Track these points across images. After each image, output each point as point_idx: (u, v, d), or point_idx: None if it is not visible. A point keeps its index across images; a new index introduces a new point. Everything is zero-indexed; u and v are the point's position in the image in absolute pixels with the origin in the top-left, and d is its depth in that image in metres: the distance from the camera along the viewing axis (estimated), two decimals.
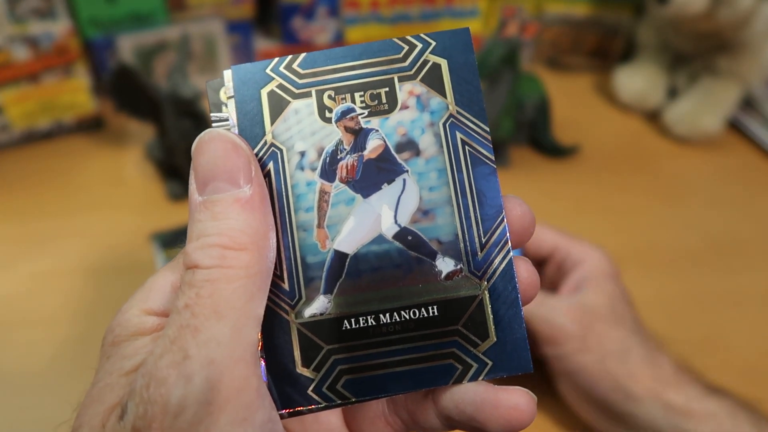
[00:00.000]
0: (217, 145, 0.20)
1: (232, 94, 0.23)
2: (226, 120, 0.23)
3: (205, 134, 0.21)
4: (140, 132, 0.70)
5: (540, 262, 0.47)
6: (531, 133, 0.70)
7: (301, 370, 0.22)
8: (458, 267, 0.22)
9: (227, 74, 0.23)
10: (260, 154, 0.23)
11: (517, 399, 0.21)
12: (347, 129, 0.23)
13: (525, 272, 0.23)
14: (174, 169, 0.62)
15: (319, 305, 0.22)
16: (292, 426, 0.24)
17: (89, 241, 0.58)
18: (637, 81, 0.76)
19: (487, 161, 0.23)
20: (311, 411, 0.22)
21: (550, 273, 0.46)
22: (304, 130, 0.23)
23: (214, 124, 0.23)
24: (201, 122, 0.58)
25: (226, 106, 0.23)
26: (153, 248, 0.55)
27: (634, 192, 0.66)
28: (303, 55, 0.24)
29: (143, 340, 0.21)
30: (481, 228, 0.22)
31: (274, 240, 0.21)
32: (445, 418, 0.22)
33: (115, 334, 0.21)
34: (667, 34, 0.75)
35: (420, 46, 0.24)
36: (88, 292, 0.53)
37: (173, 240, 0.54)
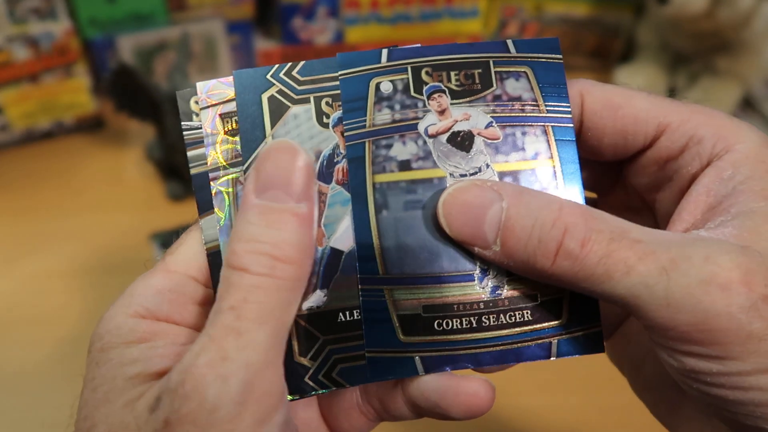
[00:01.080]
0: (287, 156, 0.21)
1: (206, 104, 0.24)
2: (198, 128, 0.24)
3: (278, 142, 0.22)
4: (140, 132, 0.70)
5: (623, 155, 0.25)
6: None
7: (298, 359, 0.23)
8: None
9: (200, 86, 0.24)
10: None
11: (477, 387, 0.23)
12: (344, 134, 0.24)
13: None
14: (174, 169, 0.62)
15: (315, 299, 0.23)
16: None
17: (89, 241, 0.58)
18: (637, 81, 0.76)
19: None
20: (308, 396, 0.23)
21: (650, 178, 0.25)
22: (303, 134, 0.24)
23: (185, 133, 0.24)
24: None
25: (197, 115, 0.24)
26: (153, 248, 0.55)
27: None
28: (302, 63, 0.25)
29: (139, 348, 0.21)
30: None
31: (312, 261, 0.22)
32: (412, 405, 0.24)
33: (105, 341, 0.22)
34: (667, 34, 0.75)
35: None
36: (88, 292, 0.53)
37: (173, 240, 0.54)
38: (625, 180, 0.27)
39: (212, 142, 0.24)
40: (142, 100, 0.59)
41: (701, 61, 0.73)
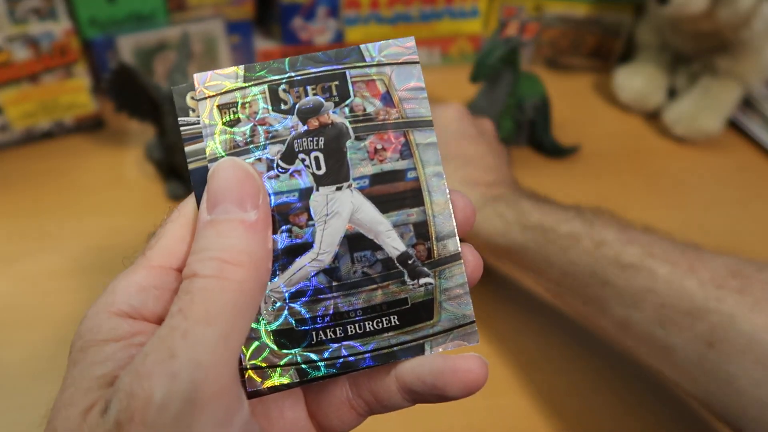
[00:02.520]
0: (231, 171, 0.22)
1: (203, 96, 0.24)
2: (195, 123, 0.24)
3: (223, 160, 0.23)
4: (140, 132, 0.70)
5: None
6: (531, 133, 0.70)
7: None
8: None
9: (198, 77, 0.24)
10: None
11: (471, 363, 0.24)
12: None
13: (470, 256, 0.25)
14: (174, 169, 0.62)
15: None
16: (259, 422, 0.25)
17: (89, 241, 0.58)
18: (637, 81, 0.76)
19: None
20: (271, 392, 0.24)
21: None
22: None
23: (182, 129, 0.24)
24: None
25: (194, 110, 0.24)
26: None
27: (634, 192, 0.66)
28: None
29: (114, 347, 0.21)
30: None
31: (270, 266, 0.23)
32: (408, 392, 0.25)
33: (85, 340, 0.22)
34: (667, 34, 0.75)
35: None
36: (88, 292, 0.53)
37: None
38: None
39: (210, 134, 0.24)
40: (142, 100, 0.59)
41: (701, 61, 0.73)
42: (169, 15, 0.73)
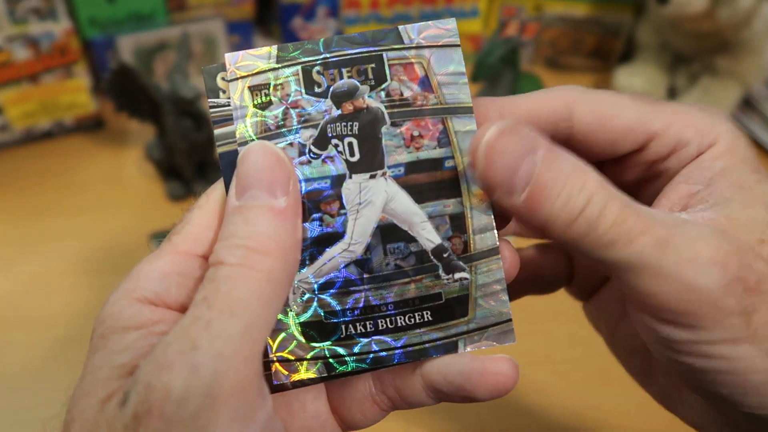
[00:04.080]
0: (262, 156, 0.21)
1: (234, 77, 0.23)
2: (226, 105, 0.23)
3: (253, 144, 0.22)
4: (140, 132, 0.70)
5: (611, 157, 0.26)
6: None
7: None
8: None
9: (229, 56, 0.23)
10: None
11: (502, 366, 0.23)
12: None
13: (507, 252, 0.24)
14: (174, 169, 0.62)
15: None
16: (280, 415, 0.24)
17: (89, 241, 0.58)
18: (637, 81, 0.76)
19: None
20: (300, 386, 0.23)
21: (636, 176, 0.26)
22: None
23: (211, 111, 0.23)
24: (201, 122, 0.58)
25: (224, 92, 0.23)
26: (153, 248, 0.55)
27: None
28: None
29: (134, 335, 0.21)
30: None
31: (299, 256, 0.22)
32: (433, 391, 0.24)
33: (106, 326, 0.21)
34: (667, 34, 0.75)
35: None
36: (87, 292, 0.53)
37: None
38: (606, 174, 0.26)
39: (241, 116, 0.23)
40: (142, 100, 0.59)
41: (701, 61, 0.73)
42: (169, 15, 0.73)
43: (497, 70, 0.62)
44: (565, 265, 0.32)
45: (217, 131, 0.23)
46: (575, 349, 0.50)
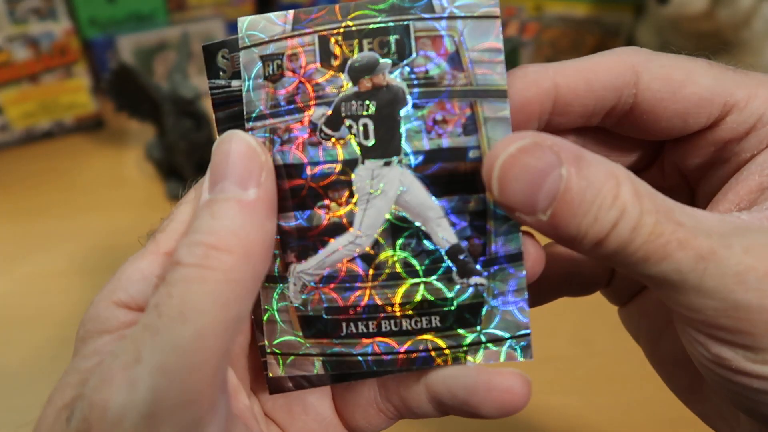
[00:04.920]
0: (233, 146, 0.20)
1: (243, 45, 0.21)
2: (227, 87, 0.22)
3: (225, 134, 0.20)
4: (140, 132, 0.70)
5: (679, 135, 0.22)
6: None
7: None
8: None
9: (241, 21, 0.21)
10: None
11: (512, 382, 0.21)
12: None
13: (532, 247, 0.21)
14: (174, 169, 0.62)
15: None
16: (278, 416, 0.24)
17: (89, 241, 0.58)
18: None
19: None
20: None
21: (703, 159, 0.23)
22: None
23: (212, 92, 0.22)
24: (201, 122, 0.58)
25: (224, 71, 0.22)
26: None
27: None
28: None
29: (105, 339, 0.20)
30: None
31: (269, 252, 0.20)
32: (437, 403, 0.22)
33: (85, 330, 0.20)
34: (667, 34, 0.74)
35: None
36: (87, 292, 0.53)
37: None
38: (664, 157, 0.24)
39: (250, 89, 0.21)
40: (142, 100, 0.59)
41: None
42: (169, 15, 0.73)
43: None
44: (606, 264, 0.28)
45: (217, 114, 0.22)
46: (577, 348, 0.50)
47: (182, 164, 0.61)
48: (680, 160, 0.23)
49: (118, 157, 0.68)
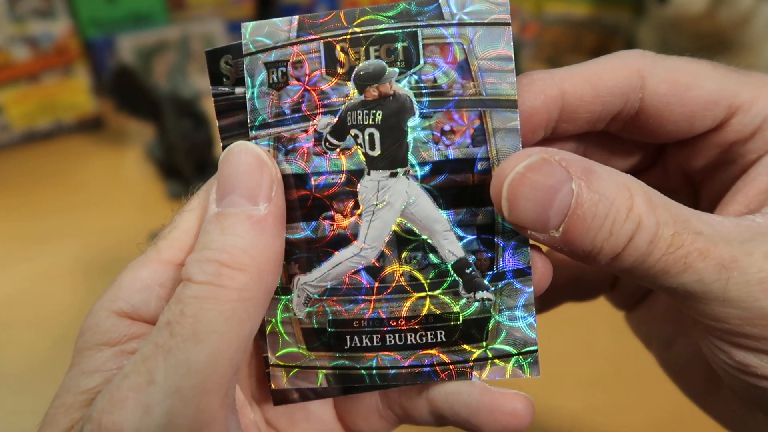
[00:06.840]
0: (242, 159, 0.20)
1: (247, 51, 0.21)
2: (230, 94, 0.21)
3: (234, 146, 0.20)
4: (140, 132, 0.70)
5: (685, 137, 0.23)
6: None
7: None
8: None
9: (245, 27, 0.21)
10: None
11: (516, 405, 0.21)
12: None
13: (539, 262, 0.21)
14: (174, 169, 0.62)
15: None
16: (280, 423, 0.24)
17: (89, 241, 0.58)
18: None
19: None
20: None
21: (708, 160, 0.23)
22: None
23: (215, 99, 0.22)
24: (201, 122, 0.58)
25: (228, 77, 0.21)
26: None
27: None
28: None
29: (107, 354, 0.19)
30: None
31: (279, 269, 0.20)
32: (438, 416, 0.22)
33: (84, 340, 0.20)
34: (667, 34, 0.74)
35: None
36: (88, 292, 0.53)
37: None
38: (667, 158, 0.24)
39: (253, 97, 0.21)
40: (142, 100, 0.59)
41: None
42: (169, 15, 0.73)
43: None
44: None
45: (220, 122, 0.21)
46: (575, 349, 0.50)
47: (182, 164, 0.61)
48: (684, 162, 0.23)
49: (118, 157, 0.68)
